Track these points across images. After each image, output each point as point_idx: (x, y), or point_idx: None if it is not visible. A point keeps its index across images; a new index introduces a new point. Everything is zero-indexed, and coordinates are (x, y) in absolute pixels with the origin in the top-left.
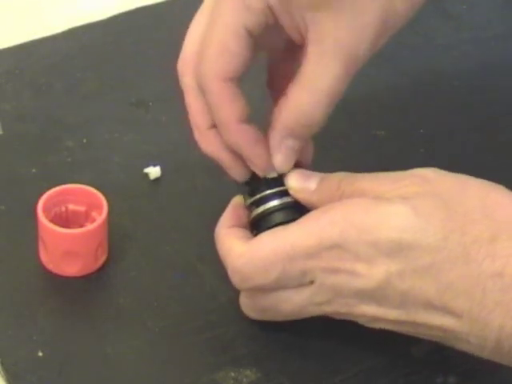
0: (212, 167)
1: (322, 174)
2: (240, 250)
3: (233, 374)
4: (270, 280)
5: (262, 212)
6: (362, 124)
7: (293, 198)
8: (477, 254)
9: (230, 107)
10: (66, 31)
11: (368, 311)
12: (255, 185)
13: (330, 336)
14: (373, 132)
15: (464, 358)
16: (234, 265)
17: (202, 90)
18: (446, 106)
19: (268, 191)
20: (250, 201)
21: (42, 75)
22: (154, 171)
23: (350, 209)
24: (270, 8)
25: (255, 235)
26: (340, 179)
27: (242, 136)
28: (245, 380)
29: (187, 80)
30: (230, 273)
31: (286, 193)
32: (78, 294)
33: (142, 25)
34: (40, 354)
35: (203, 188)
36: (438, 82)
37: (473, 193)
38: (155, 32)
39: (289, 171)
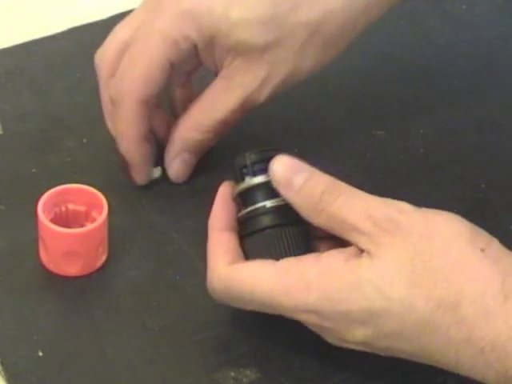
0: (212, 167)
1: (309, 172)
2: (221, 272)
3: (233, 374)
4: (246, 309)
5: (248, 213)
6: (362, 124)
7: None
8: (441, 320)
9: (137, 127)
10: (65, 31)
11: (356, 348)
12: (240, 180)
13: None
14: (373, 132)
15: None
16: (213, 286)
17: (114, 103)
18: (446, 105)
19: (252, 181)
20: (236, 192)
21: (41, 75)
22: (154, 171)
23: (325, 277)
24: (195, 47)
25: (241, 235)
26: (322, 191)
27: (139, 150)
28: (245, 380)
29: (104, 74)
30: (207, 286)
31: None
32: (78, 293)
33: None
34: (40, 353)
35: (203, 188)
36: (438, 82)
37: (437, 248)
38: None
39: (275, 159)
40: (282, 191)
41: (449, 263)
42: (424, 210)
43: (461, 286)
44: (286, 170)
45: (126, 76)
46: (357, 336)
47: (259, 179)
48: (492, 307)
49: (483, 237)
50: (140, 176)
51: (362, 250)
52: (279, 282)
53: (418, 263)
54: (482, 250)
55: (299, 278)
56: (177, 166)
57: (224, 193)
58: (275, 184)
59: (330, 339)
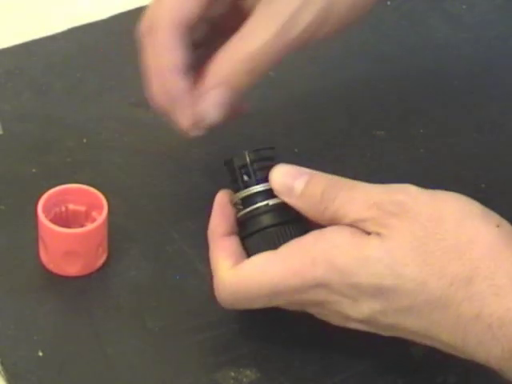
0: (212, 167)
1: (308, 175)
2: (225, 277)
3: (233, 374)
4: (255, 308)
5: (249, 212)
6: (362, 124)
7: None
8: (454, 296)
9: (172, 53)
10: (65, 31)
11: (358, 327)
12: (240, 182)
13: (329, 336)
14: (373, 132)
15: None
16: (220, 292)
17: (150, 34)
18: (446, 105)
19: (254, 189)
20: (236, 198)
21: (42, 75)
22: None
23: (331, 250)
24: None
25: (242, 236)
26: (322, 190)
27: (174, 84)
28: (245, 380)
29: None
30: (216, 295)
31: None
32: (78, 293)
33: None
34: (40, 353)
35: (203, 188)
36: (438, 82)
37: (449, 226)
38: None
39: (274, 168)
40: (286, 199)
41: (462, 240)
42: (431, 191)
43: (475, 262)
44: (285, 178)
45: (163, 2)
46: (363, 311)
47: (262, 187)
48: (505, 284)
49: (495, 215)
50: (186, 119)
51: (369, 233)
52: (285, 266)
53: (430, 242)
54: (497, 226)
55: (304, 256)
56: (211, 98)
57: (222, 200)
58: (277, 194)
59: (333, 319)
